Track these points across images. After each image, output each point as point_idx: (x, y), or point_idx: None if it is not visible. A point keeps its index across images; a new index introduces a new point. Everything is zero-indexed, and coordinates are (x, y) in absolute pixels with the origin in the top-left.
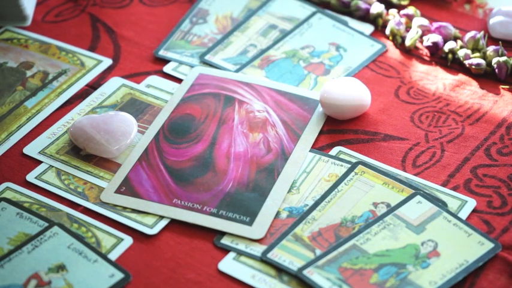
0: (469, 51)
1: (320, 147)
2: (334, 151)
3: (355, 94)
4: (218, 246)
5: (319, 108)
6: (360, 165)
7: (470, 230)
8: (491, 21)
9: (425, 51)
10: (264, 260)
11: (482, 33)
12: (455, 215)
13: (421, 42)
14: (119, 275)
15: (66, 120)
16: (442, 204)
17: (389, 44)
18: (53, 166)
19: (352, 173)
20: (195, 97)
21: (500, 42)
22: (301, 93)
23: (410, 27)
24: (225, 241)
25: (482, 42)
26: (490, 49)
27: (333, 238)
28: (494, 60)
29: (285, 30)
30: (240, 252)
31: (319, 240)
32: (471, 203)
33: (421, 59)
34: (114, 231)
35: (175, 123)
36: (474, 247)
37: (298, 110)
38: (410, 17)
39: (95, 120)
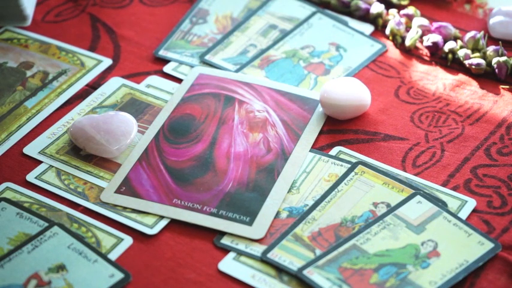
0: (469, 51)
1: (320, 147)
2: (334, 151)
3: (355, 94)
4: (218, 246)
5: (319, 108)
6: (360, 165)
7: (470, 230)
8: (491, 21)
9: (425, 51)
10: (264, 260)
11: (482, 33)
12: (455, 215)
13: (421, 42)
14: (119, 275)
15: (66, 120)
16: (442, 204)
17: (389, 44)
18: (53, 166)
19: (352, 173)
20: (195, 97)
21: (500, 42)
22: (301, 93)
23: (410, 27)
24: (225, 241)
25: (482, 42)
26: (490, 49)
27: (333, 238)
28: (494, 60)
29: (285, 30)
30: (240, 252)
31: (319, 240)
32: (471, 203)
33: (421, 59)
34: (114, 231)
35: (175, 123)
36: (474, 247)
37: (298, 110)
38: (410, 17)
39: (95, 120)
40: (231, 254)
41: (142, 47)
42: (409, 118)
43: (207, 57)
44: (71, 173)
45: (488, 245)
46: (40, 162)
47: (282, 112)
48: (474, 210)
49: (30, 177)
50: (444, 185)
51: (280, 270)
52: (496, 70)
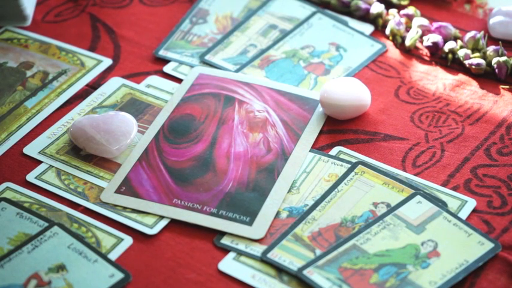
0: (469, 51)
1: (320, 147)
2: (334, 151)
3: (355, 94)
4: (218, 246)
5: (319, 108)
6: (360, 165)
7: (470, 230)
8: (491, 21)
9: (425, 51)
10: (264, 260)
11: (482, 33)
12: (455, 215)
13: (421, 42)
14: (119, 275)
15: (66, 120)
16: (442, 204)
17: (389, 44)
18: (53, 166)
19: (352, 173)
20: (195, 97)
21: (500, 42)
22: (301, 93)
23: (410, 27)
24: (225, 241)
25: (482, 42)
26: (490, 49)
27: (333, 238)
28: (494, 60)
29: (285, 30)
30: (240, 252)
31: (319, 240)
32: (471, 203)
33: (421, 59)
34: (114, 231)
35: (175, 123)
36: (474, 247)
37: (298, 110)
38: (410, 17)
39: (95, 120)
40: (231, 254)
41: (142, 47)
42: (409, 118)
43: (207, 57)
44: (71, 173)
45: (488, 245)
46: (40, 162)
47: (282, 112)
48: (474, 210)
49: (30, 177)
50: (444, 185)
51: (280, 270)
52: (496, 70)
